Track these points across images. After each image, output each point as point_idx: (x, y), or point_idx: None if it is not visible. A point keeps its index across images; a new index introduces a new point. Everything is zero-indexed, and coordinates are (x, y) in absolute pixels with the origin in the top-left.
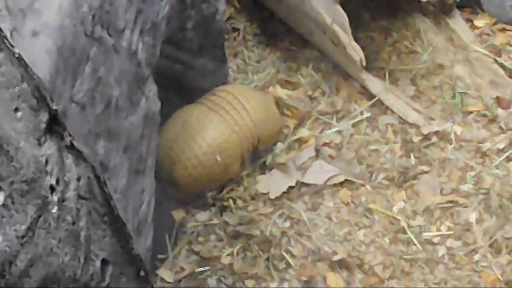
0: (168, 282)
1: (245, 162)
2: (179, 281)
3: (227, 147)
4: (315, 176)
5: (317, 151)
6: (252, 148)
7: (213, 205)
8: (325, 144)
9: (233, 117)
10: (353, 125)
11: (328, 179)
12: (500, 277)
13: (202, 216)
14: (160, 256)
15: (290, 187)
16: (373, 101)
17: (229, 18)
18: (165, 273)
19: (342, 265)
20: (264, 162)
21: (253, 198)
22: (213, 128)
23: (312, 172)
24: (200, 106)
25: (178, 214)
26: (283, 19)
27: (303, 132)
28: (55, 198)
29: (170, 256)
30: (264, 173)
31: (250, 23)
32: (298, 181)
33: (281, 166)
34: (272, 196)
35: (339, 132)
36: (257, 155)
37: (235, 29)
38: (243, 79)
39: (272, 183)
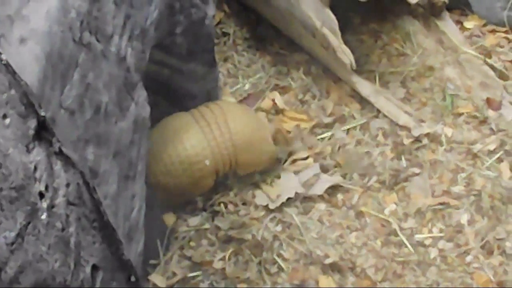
0: None
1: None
2: (172, 286)
3: (198, 160)
4: (314, 187)
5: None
6: (229, 167)
7: (204, 210)
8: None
9: (212, 131)
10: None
11: (327, 189)
12: (492, 278)
13: (194, 221)
14: (152, 261)
15: (289, 198)
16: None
17: (218, 22)
18: (157, 279)
19: (334, 268)
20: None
21: (244, 203)
22: (188, 139)
23: (312, 183)
24: (186, 115)
25: (169, 219)
26: (273, 23)
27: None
28: (44, 204)
29: (162, 262)
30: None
31: (240, 27)
32: (297, 192)
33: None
34: (272, 207)
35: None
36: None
37: (225, 34)
38: (233, 83)
39: (270, 195)
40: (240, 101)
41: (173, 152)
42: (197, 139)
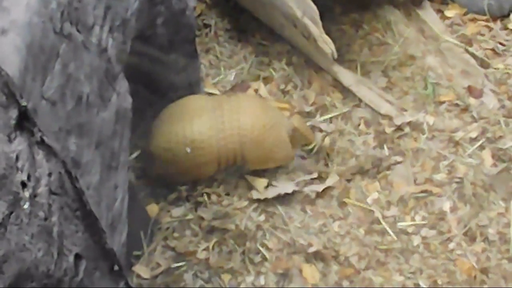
0: (145, 279)
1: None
2: (156, 277)
3: (202, 146)
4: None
5: None
6: (234, 161)
7: (188, 200)
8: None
9: (224, 122)
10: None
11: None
12: (475, 264)
13: (177, 211)
14: (135, 252)
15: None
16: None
17: (200, 14)
18: (141, 270)
19: (317, 257)
20: None
21: (227, 193)
22: (197, 123)
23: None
24: (205, 100)
25: (152, 210)
26: (254, 14)
27: None
28: (26, 194)
29: (146, 253)
30: None
31: (221, 18)
32: (294, 190)
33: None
34: (261, 197)
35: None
36: None
37: (207, 25)
38: (215, 74)
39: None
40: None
41: (180, 132)
42: (206, 126)
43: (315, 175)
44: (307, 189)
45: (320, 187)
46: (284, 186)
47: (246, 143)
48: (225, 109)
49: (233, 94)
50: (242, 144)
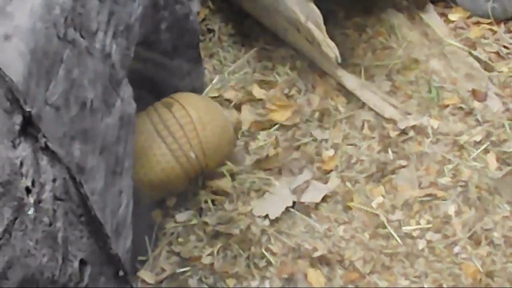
0: (149, 284)
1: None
2: (160, 282)
3: (170, 180)
4: (311, 194)
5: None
6: (200, 169)
7: (192, 205)
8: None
9: (177, 140)
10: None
11: (324, 197)
12: (480, 268)
13: (181, 217)
14: (140, 258)
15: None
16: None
17: (203, 19)
18: (146, 275)
19: (322, 261)
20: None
21: (231, 200)
22: (157, 162)
23: (308, 191)
24: (147, 127)
25: (157, 216)
26: (258, 19)
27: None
28: (31, 199)
29: (150, 258)
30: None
31: (225, 23)
32: (294, 201)
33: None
34: (272, 217)
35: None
36: None
37: (210, 30)
38: (219, 79)
39: (268, 206)
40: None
41: (144, 177)
42: (166, 160)
43: (308, 175)
44: (307, 200)
45: (319, 195)
46: (283, 197)
47: (208, 153)
48: (170, 124)
49: (172, 101)
50: (205, 155)
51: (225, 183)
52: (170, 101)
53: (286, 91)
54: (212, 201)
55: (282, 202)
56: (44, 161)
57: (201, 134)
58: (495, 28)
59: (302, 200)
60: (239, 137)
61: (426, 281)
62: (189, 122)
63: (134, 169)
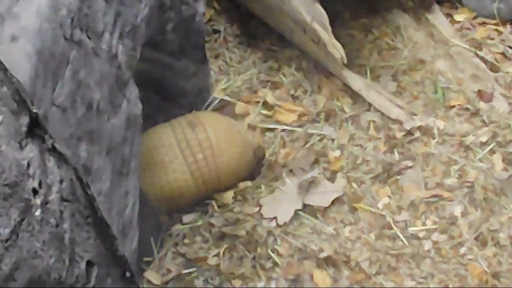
0: (155, 285)
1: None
2: (166, 283)
3: (181, 192)
4: (320, 197)
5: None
6: (211, 191)
7: (198, 206)
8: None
9: (197, 162)
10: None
11: (333, 200)
12: (486, 269)
13: (187, 218)
14: (146, 258)
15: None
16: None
17: (209, 20)
18: (152, 276)
19: (328, 262)
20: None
21: (237, 199)
22: (172, 171)
23: (316, 193)
24: (170, 132)
25: (163, 217)
26: (263, 20)
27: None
28: (38, 201)
29: (156, 259)
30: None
31: (231, 24)
32: (304, 204)
33: (282, 187)
34: (280, 223)
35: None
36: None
37: (216, 31)
38: (225, 80)
39: (277, 207)
40: (218, 110)
41: (157, 183)
42: (184, 178)
43: (316, 172)
44: (315, 201)
45: (328, 199)
46: (291, 199)
47: (222, 176)
48: (192, 144)
49: (193, 118)
50: (219, 178)
51: (227, 195)
52: (194, 121)
53: (292, 92)
54: (218, 202)
55: (291, 205)
56: (51, 162)
57: (218, 160)
58: (501, 28)
59: (311, 203)
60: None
61: (432, 282)
62: (209, 147)
63: (150, 180)
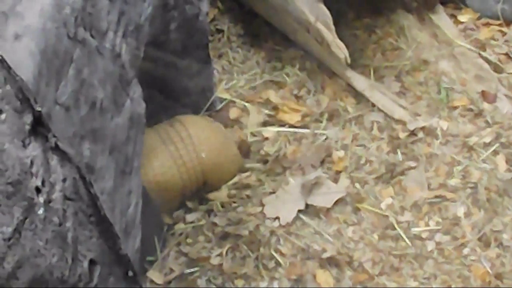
0: (158, 284)
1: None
2: (169, 282)
3: (165, 179)
4: (323, 198)
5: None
6: (197, 186)
7: (201, 206)
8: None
9: (178, 150)
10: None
11: (337, 200)
12: (489, 270)
13: (190, 217)
14: (149, 258)
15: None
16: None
17: (213, 19)
18: (155, 275)
19: (331, 262)
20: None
21: (241, 198)
22: (158, 166)
23: (320, 194)
24: (153, 135)
25: (165, 216)
26: (267, 19)
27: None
28: (41, 199)
29: (159, 258)
30: None
31: (234, 24)
32: (307, 204)
33: (286, 187)
34: (283, 223)
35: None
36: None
37: (219, 31)
38: (228, 80)
39: (280, 207)
40: (212, 115)
41: (145, 179)
42: (167, 165)
43: (319, 172)
44: (318, 201)
45: (331, 199)
46: (294, 199)
47: (206, 169)
48: (176, 141)
49: (175, 121)
50: (203, 171)
51: (222, 194)
52: (172, 120)
53: (295, 92)
54: (221, 201)
55: (294, 205)
56: (54, 160)
57: (197, 148)
58: (504, 29)
59: (314, 204)
60: (251, 157)
61: (435, 283)
62: (187, 136)
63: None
